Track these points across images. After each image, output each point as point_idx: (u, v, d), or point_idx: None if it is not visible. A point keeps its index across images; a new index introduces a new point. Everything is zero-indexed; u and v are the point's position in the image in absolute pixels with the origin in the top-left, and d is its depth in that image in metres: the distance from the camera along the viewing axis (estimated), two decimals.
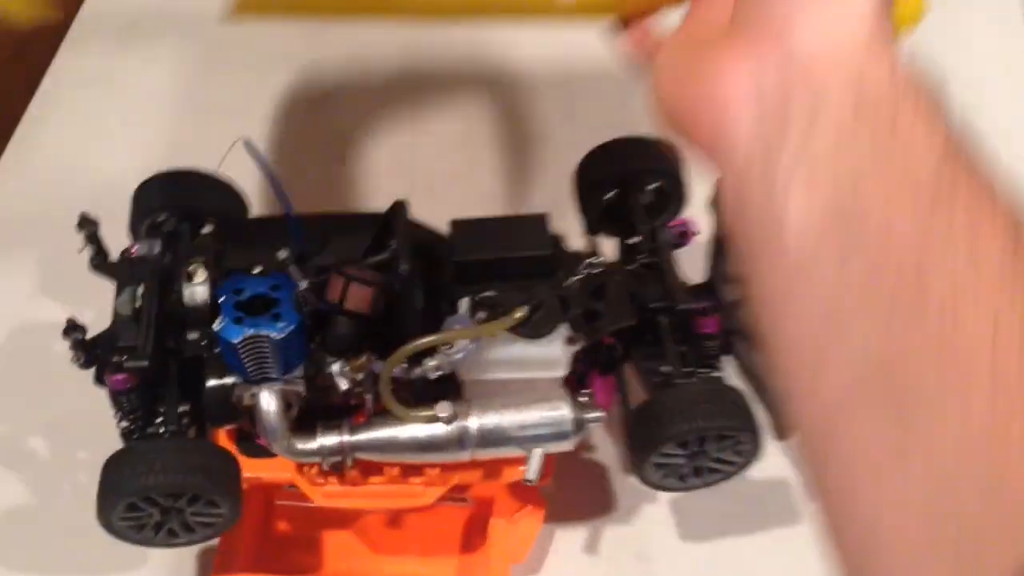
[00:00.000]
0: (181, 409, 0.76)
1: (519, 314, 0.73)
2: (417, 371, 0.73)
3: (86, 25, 1.28)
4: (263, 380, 0.72)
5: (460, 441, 0.74)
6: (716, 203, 0.88)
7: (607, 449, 0.92)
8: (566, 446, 0.75)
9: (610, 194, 0.88)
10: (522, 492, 0.85)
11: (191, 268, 0.73)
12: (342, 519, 0.87)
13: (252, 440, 0.78)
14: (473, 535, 0.86)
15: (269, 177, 0.74)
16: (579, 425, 0.75)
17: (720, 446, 0.74)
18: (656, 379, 0.79)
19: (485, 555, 0.83)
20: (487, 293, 0.76)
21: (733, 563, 0.86)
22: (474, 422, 0.74)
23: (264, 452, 0.78)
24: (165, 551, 0.85)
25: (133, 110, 1.20)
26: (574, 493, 0.89)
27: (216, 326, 0.69)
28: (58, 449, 0.92)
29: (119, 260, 0.78)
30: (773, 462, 0.91)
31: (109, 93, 1.21)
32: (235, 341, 0.69)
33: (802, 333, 0.38)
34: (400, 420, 0.73)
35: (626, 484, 0.90)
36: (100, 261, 0.78)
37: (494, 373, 0.76)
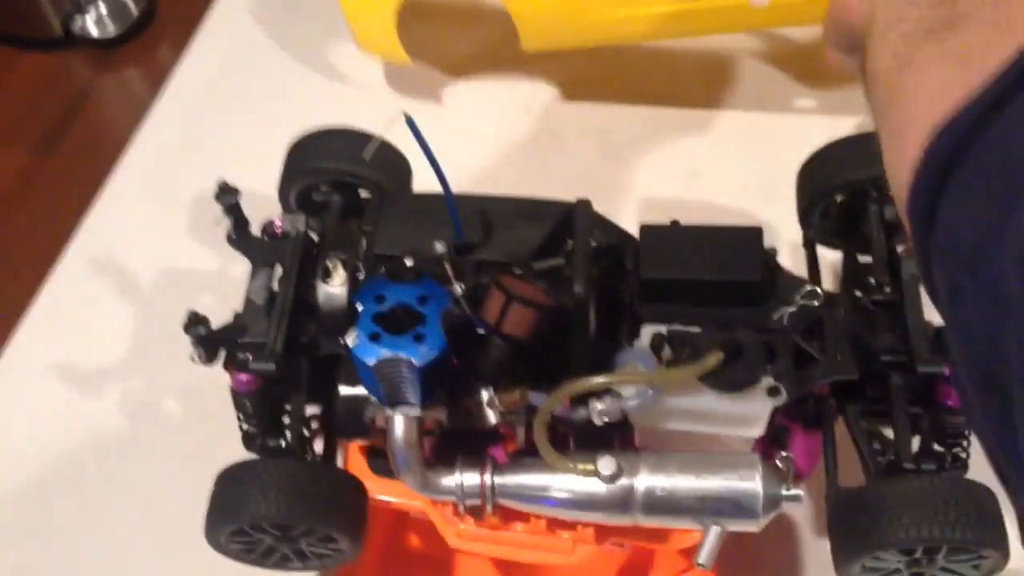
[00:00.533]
0: (309, 413, 0.66)
1: (713, 361, 0.59)
2: (581, 412, 0.61)
3: None
4: (398, 404, 0.61)
5: (623, 504, 0.61)
6: None
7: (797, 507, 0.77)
8: (752, 527, 0.61)
9: (841, 198, 0.72)
10: (687, 551, 0.72)
11: (330, 264, 0.62)
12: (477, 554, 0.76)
13: (386, 458, 0.68)
14: None
15: (428, 155, 0.62)
16: (772, 503, 0.60)
17: (953, 559, 0.59)
18: (878, 455, 0.63)
19: None
20: (676, 327, 0.62)
21: None
22: (642, 483, 0.61)
23: None
24: None
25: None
26: (756, 554, 0.76)
27: (350, 341, 0.58)
28: (190, 407, 0.85)
29: (258, 238, 0.68)
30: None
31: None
32: (370, 363, 0.58)
33: None
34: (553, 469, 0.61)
35: (821, 549, 0.76)
36: (238, 236, 0.68)
37: (673, 423, 0.62)
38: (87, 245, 0.98)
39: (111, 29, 2.17)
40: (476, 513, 0.64)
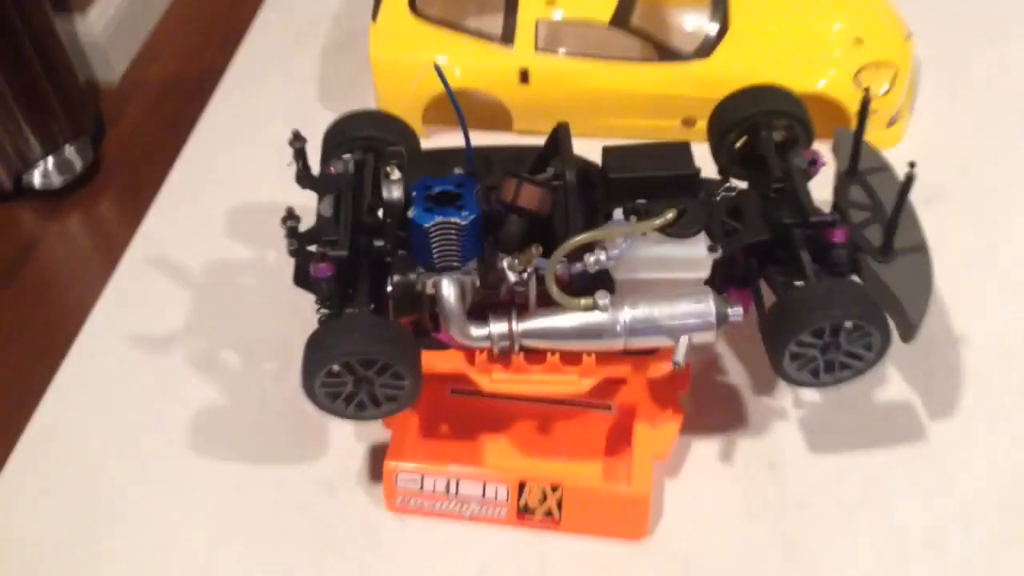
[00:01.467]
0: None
1: (670, 215, 0.83)
2: (577, 266, 0.83)
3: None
4: (444, 269, 0.83)
5: (615, 328, 0.83)
6: (838, 146, 0.98)
7: (739, 373, 1.00)
8: (710, 336, 0.84)
9: (742, 138, 0.97)
10: (662, 399, 0.93)
11: (388, 168, 0.85)
12: (499, 422, 0.96)
13: (428, 335, 0.89)
14: (617, 441, 0.94)
15: (452, 99, 0.86)
16: (722, 317, 0.83)
17: (851, 337, 0.82)
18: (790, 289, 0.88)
19: (629, 454, 0.91)
20: (639, 201, 0.86)
21: (858, 473, 0.93)
22: (627, 312, 0.83)
23: (438, 346, 0.89)
24: (344, 439, 0.97)
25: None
26: (709, 410, 0.98)
27: (410, 213, 0.81)
28: (247, 361, 1.04)
29: (320, 175, 0.91)
30: (896, 385, 0.98)
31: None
32: (427, 226, 0.80)
33: None
34: (563, 309, 0.83)
35: (759, 404, 0.98)
36: (304, 175, 0.90)
37: (644, 273, 0.85)
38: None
39: (56, 181, 2.40)
40: (506, 353, 0.85)
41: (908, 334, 0.86)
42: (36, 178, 2.33)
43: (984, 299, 1.05)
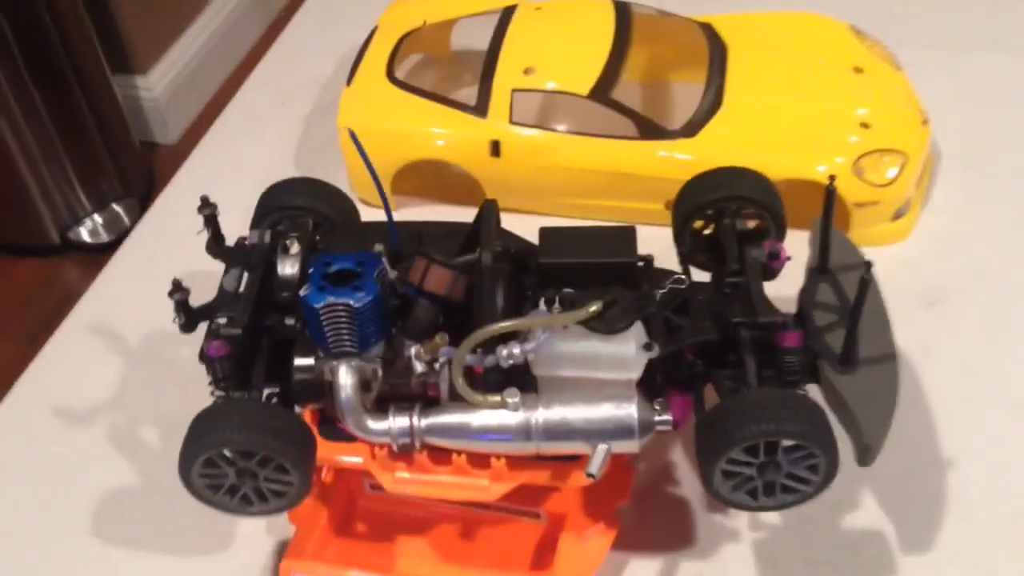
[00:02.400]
0: (268, 391, 0.79)
1: (593, 307, 0.74)
2: (491, 359, 0.75)
3: None
4: (342, 355, 0.75)
5: (527, 431, 0.74)
6: (814, 238, 0.88)
7: (691, 484, 0.90)
8: (631, 446, 0.74)
9: (709, 224, 0.88)
10: (595, 511, 0.84)
11: (288, 242, 0.78)
12: (419, 524, 0.88)
13: (333, 425, 0.82)
14: (545, 553, 0.85)
15: (369, 168, 0.80)
16: (646, 426, 0.74)
17: (791, 458, 0.72)
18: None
19: (553, 570, 0.81)
20: (567, 291, 0.78)
21: None
22: (541, 414, 0.74)
23: (342, 437, 0.81)
24: (254, 532, 0.89)
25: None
26: (652, 524, 0.88)
27: (303, 291, 0.74)
28: (166, 440, 0.97)
29: (232, 246, 0.85)
30: (868, 511, 0.87)
31: None
32: (317, 306, 0.73)
33: None
34: (469, 405, 0.75)
35: (709, 521, 0.87)
36: (216, 244, 0.84)
37: (566, 370, 0.76)
38: None
39: (104, 237, 2.41)
40: (407, 450, 0.77)
41: (865, 457, 0.75)
42: (84, 233, 2.36)
43: (983, 421, 0.93)
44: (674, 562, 0.85)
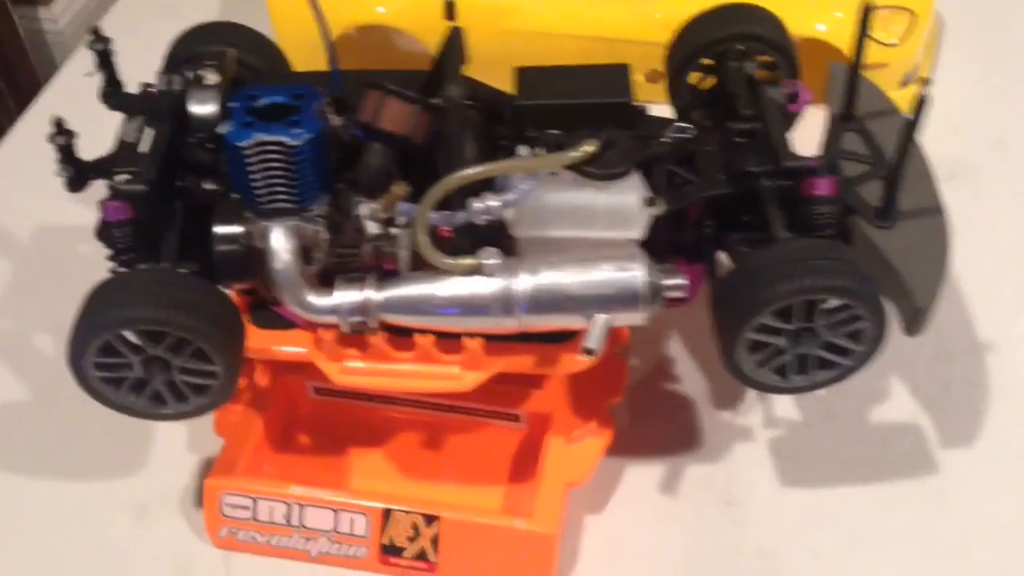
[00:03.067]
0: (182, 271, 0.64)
1: (588, 147, 0.60)
2: (461, 216, 0.60)
3: None
4: (276, 213, 0.60)
5: (507, 302, 0.60)
6: (831, 86, 0.75)
7: (693, 378, 0.77)
8: (637, 317, 0.61)
9: (709, 72, 0.75)
10: (585, 408, 0.70)
11: (202, 72, 0.62)
12: (373, 433, 0.73)
13: (265, 309, 0.66)
14: (526, 461, 0.71)
15: (319, 17, 0.64)
16: (654, 292, 0.60)
17: (832, 321, 0.59)
18: None
19: (538, 476, 0.68)
20: (551, 132, 0.63)
21: (842, 517, 0.69)
22: (525, 280, 0.60)
23: (280, 323, 0.66)
24: (172, 450, 0.74)
25: None
26: (651, 426, 0.74)
27: (222, 128, 0.58)
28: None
29: (135, 93, 0.68)
30: (899, 401, 0.75)
31: None
32: (242, 145, 0.57)
33: None
34: (438, 273, 0.60)
35: (716, 419, 0.74)
36: (112, 91, 0.68)
37: (553, 229, 0.62)
38: None
39: None
40: (359, 331, 0.62)
41: (914, 323, 0.62)
42: None
43: (1019, 297, 0.81)
44: (678, 467, 0.72)
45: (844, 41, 0.91)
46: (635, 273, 0.60)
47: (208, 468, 0.72)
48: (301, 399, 0.74)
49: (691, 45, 0.74)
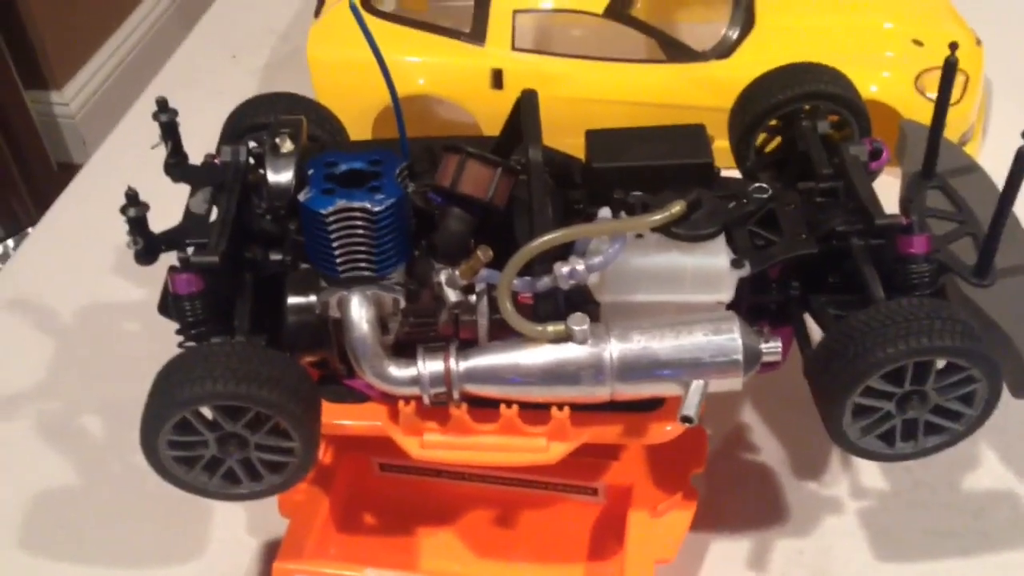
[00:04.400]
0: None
1: (676, 208, 0.58)
2: (544, 281, 0.58)
3: None
4: (354, 282, 0.58)
5: (598, 369, 0.57)
6: (904, 144, 0.74)
7: (769, 449, 0.74)
8: (734, 383, 0.58)
9: (774, 135, 0.73)
10: (668, 480, 0.67)
11: (278, 140, 0.60)
12: (444, 510, 0.70)
13: (338, 382, 0.64)
14: (606, 537, 0.68)
15: (373, 48, 0.62)
16: (753, 355, 0.58)
17: (944, 383, 0.56)
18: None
19: (621, 556, 0.64)
20: (634, 193, 0.61)
21: None
22: (615, 346, 0.57)
23: (351, 397, 0.64)
24: (231, 532, 0.71)
25: None
26: (732, 497, 0.71)
27: (302, 196, 0.56)
28: (112, 429, 0.78)
29: (200, 165, 0.67)
30: (991, 469, 0.72)
31: None
32: (323, 212, 0.55)
33: None
34: (523, 341, 0.58)
35: (801, 490, 0.71)
36: (176, 161, 0.66)
37: (639, 293, 0.60)
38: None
39: None
40: (442, 404, 0.59)
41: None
42: None
43: None
44: (766, 540, 0.69)
45: (896, 100, 0.91)
46: (733, 336, 0.57)
47: (270, 551, 0.69)
48: (366, 476, 0.71)
49: (759, 106, 0.73)
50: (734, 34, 0.93)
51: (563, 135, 0.69)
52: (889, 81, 0.91)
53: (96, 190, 1.01)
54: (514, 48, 0.93)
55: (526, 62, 0.93)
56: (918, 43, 0.94)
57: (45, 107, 2.26)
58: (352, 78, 0.95)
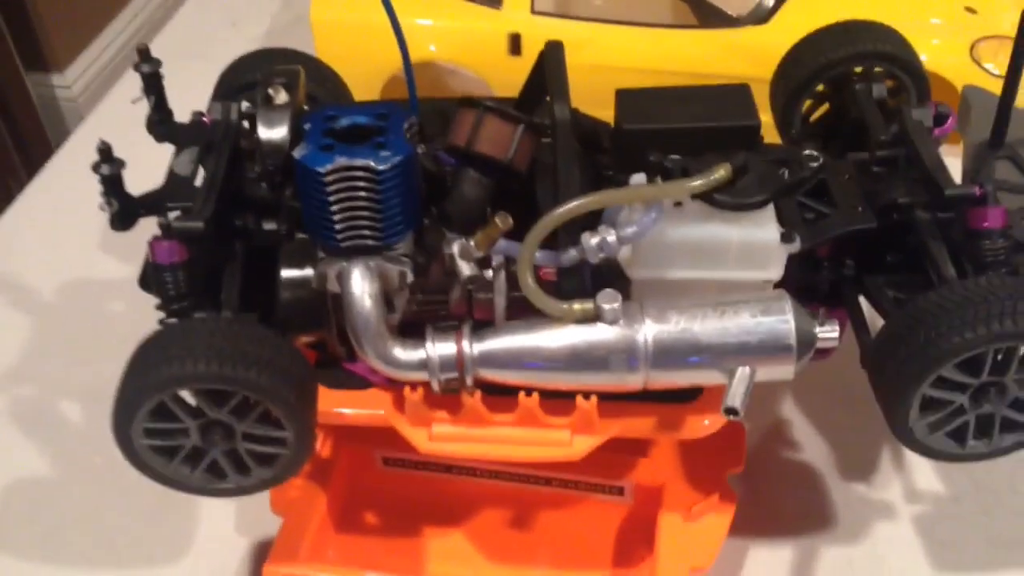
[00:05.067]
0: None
1: (721, 172, 0.51)
2: (571, 253, 0.52)
3: None
4: (355, 252, 0.51)
5: (631, 353, 0.50)
6: (967, 112, 0.67)
7: (814, 447, 0.67)
8: (785, 371, 0.51)
9: (822, 100, 0.67)
10: (703, 480, 0.61)
11: (271, 89, 0.54)
12: (449, 511, 0.64)
13: (337, 366, 0.57)
14: (633, 542, 0.61)
15: (389, 9, 0.56)
16: (807, 339, 0.51)
17: None
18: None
19: (651, 562, 0.58)
20: (672, 157, 0.55)
21: None
22: (650, 327, 0.51)
23: (352, 382, 0.57)
24: (219, 530, 0.64)
25: None
26: (773, 500, 0.65)
27: (298, 152, 0.49)
28: (91, 416, 0.72)
29: (186, 123, 0.60)
30: None
31: None
32: (321, 171, 0.49)
33: None
34: (545, 320, 0.51)
35: (848, 493, 0.65)
36: (160, 118, 0.59)
37: (677, 270, 0.53)
38: None
39: None
40: (454, 391, 0.52)
41: None
42: None
43: None
44: (812, 549, 0.62)
45: (950, 70, 0.84)
46: (785, 318, 0.50)
47: (261, 552, 0.63)
48: (367, 471, 0.65)
49: (807, 68, 0.66)
50: None
51: (587, 106, 0.62)
52: (940, 49, 0.85)
53: (78, 167, 0.95)
54: (534, 11, 0.87)
55: (547, 26, 0.87)
56: (971, 10, 0.88)
57: (47, 90, 2.20)
58: (358, 42, 0.89)
